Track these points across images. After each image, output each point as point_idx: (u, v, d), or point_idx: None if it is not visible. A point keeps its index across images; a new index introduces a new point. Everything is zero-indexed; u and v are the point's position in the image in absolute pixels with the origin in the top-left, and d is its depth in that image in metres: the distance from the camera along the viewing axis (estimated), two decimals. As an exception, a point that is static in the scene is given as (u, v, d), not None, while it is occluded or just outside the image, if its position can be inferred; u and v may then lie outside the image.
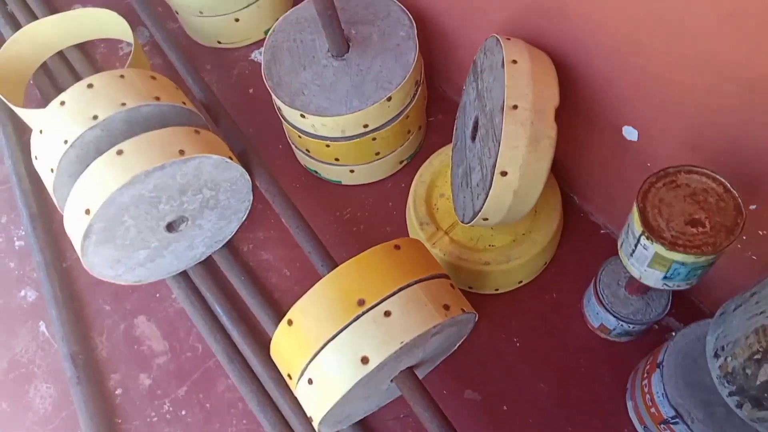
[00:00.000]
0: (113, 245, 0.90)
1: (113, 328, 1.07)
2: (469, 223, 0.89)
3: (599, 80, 0.83)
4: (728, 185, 0.65)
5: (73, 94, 0.92)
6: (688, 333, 0.77)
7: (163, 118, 0.96)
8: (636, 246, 0.68)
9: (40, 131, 0.92)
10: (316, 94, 1.00)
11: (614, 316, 0.89)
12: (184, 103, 0.98)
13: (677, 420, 0.74)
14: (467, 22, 1.02)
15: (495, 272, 0.97)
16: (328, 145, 1.05)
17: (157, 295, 1.10)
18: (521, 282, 1.03)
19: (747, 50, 0.60)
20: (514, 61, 0.79)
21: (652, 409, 0.81)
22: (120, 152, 0.85)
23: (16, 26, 1.41)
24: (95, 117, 0.89)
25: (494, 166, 0.79)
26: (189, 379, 1.02)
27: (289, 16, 1.09)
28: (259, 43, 1.36)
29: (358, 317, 0.74)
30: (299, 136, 1.07)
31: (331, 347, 0.74)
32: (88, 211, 0.84)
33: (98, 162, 0.84)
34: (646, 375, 0.83)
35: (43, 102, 1.32)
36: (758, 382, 0.54)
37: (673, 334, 0.96)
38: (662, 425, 0.79)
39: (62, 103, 0.91)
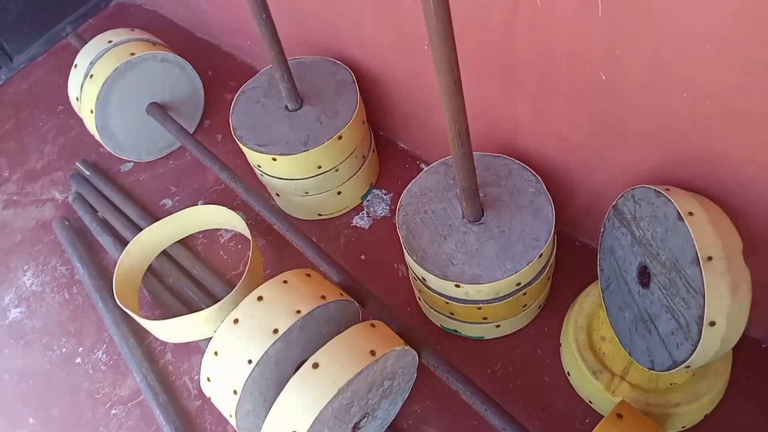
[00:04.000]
0: (310, 460, 0.87)
1: None
2: (665, 371, 0.88)
3: (760, 215, 0.87)
4: None
5: (246, 309, 0.92)
6: None
7: (328, 315, 0.96)
8: None
9: (215, 353, 0.91)
10: (465, 262, 1.02)
11: (834, 443, 0.87)
12: (342, 295, 0.98)
13: None
14: (592, 171, 1.07)
15: (686, 412, 0.95)
16: (479, 308, 1.05)
17: (328, 495, 1.04)
18: (706, 415, 1.00)
19: None
20: (691, 213, 0.82)
21: None
22: (316, 365, 0.84)
23: (112, 231, 1.43)
24: (275, 331, 0.89)
25: (701, 317, 0.79)
26: None
27: (411, 188, 1.13)
28: (356, 209, 1.40)
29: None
30: (446, 303, 1.07)
31: None
32: (295, 434, 0.81)
33: (297, 379, 0.83)
34: None
35: (155, 303, 1.32)
36: None
37: None
38: None
39: (236, 321, 0.91)
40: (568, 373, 1.09)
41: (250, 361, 0.88)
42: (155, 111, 1.48)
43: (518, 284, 1.02)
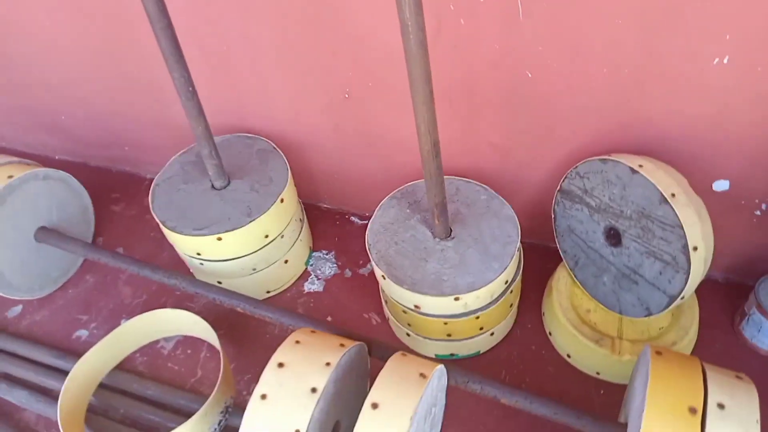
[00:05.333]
0: None
1: None
2: (663, 310, 0.97)
3: (684, 158, 1.03)
4: None
5: (270, 380, 0.83)
6: None
7: (350, 364, 0.90)
8: None
9: (249, 441, 0.80)
10: (456, 275, 1.04)
11: (800, 325, 1.02)
12: (354, 341, 0.94)
13: None
14: (529, 169, 1.17)
15: (683, 349, 1.05)
16: (477, 317, 1.07)
17: None
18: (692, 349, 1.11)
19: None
20: (640, 165, 0.95)
21: None
22: (375, 405, 0.78)
23: (23, 384, 1.20)
24: (314, 390, 0.81)
25: (685, 246, 0.90)
26: None
27: (373, 227, 1.13)
28: (303, 277, 1.35)
29: (703, 422, 0.75)
30: (444, 324, 1.07)
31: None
32: (382, 484, 0.73)
33: (363, 424, 0.76)
34: None
35: (108, 444, 1.11)
36: None
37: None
38: None
39: (263, 396, 0.82)
40: (567, 355, 1.14)
41: (297, 431, 0.78)
42: (46, 235, 1.30)
43: (506, 282, 1.06)
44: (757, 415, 0.75)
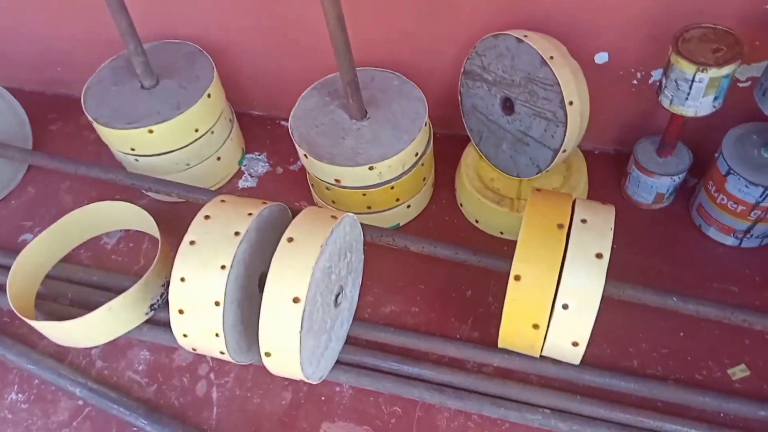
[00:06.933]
0: (312, 334, 0.91)
1: (308, 451, 1.01)
2: (550, 165, 1.11)
3: (567, 32, 1.15)
4: (719, 26, 0.99)
5: (198, 229, 0.93)
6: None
7: (272, 220, 1.01)
8: (691, 87, 0.98)
9: (182, 279, 0.90)
10: (369, 149, 1.15)
11: (669, 176, 1.17)
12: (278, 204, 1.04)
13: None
14: (435, 57, 1.28)
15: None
16: (392, 188, 1.18)
17: (323, 398, 1.07)
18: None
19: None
20: (525, 35, 1.07)
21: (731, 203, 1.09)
22: (291, 239, 0.89)
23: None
24: (237, 233, 0.91)
25: (561, 101, 1.03)
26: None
27: (295, 113, 1.23)
28: (237, 175, 1.44)
29: (568, 234, 0.89)
30: (363, 195, 1.18)
31: (569, 268, 0.87)
32: (297, 299, 0.85)
33: (281, 252, 0.87)
34: (714, 188, 1.12)
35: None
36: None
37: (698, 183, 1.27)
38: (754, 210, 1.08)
39: (192, 242, 0.92)
40: (476, 221, 1.27)
41: (223, 267, 0.89)
42: (-17, 145, 1.35)
43: (416, 154, 1.18)
44: (611, 225, 0.89)
